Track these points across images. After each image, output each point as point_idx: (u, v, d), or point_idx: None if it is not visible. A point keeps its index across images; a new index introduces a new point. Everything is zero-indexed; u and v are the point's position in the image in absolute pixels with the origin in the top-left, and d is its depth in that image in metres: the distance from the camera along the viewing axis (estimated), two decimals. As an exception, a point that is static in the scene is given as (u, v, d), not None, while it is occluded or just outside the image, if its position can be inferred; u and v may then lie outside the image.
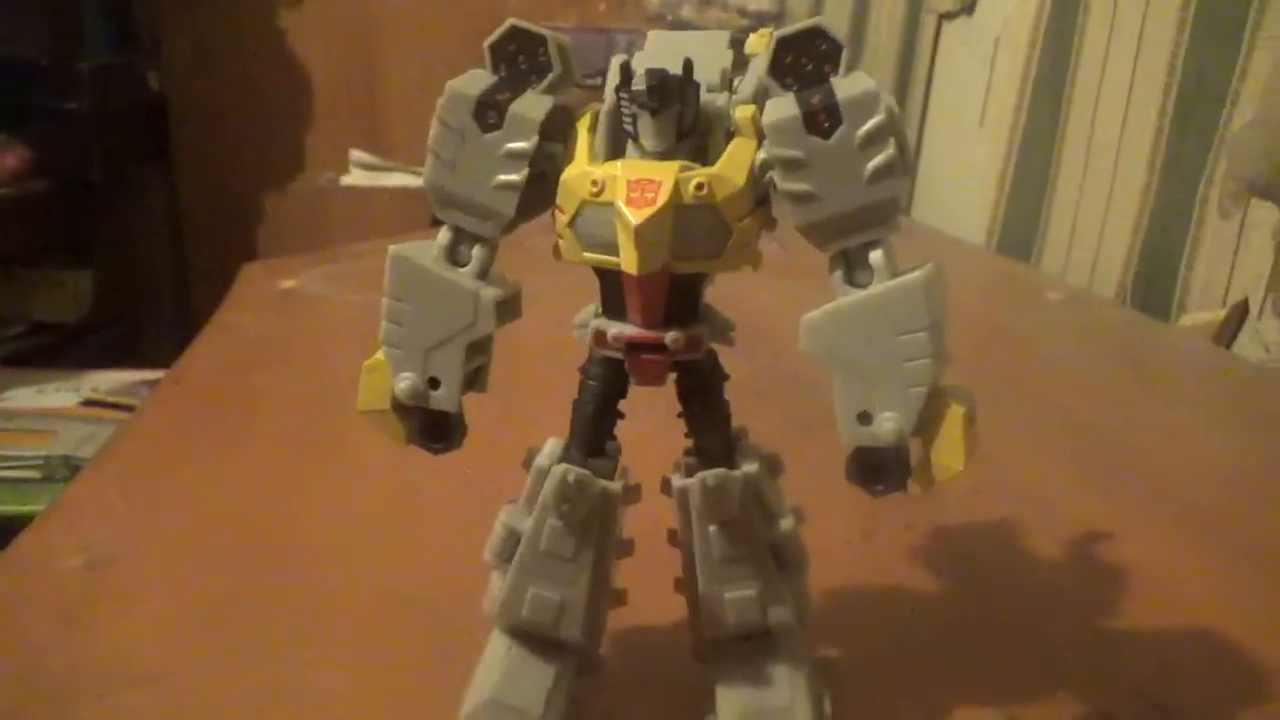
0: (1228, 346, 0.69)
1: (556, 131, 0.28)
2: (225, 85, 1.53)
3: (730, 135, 0.27)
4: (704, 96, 0.26)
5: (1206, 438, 0.54)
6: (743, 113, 0.27)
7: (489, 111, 0.27)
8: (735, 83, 0.28)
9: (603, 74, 0.27)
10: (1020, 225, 0.96)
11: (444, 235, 0.28)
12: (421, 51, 1.57)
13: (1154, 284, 0.79)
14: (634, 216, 0.25)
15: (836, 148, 0.25)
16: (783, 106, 0.26)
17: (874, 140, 0.25)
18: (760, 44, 0.28)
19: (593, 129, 0.28)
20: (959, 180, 1.07)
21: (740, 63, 0.28)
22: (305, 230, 1.58)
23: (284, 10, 1.58)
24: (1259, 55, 0.67)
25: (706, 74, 0.27)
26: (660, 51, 0.27)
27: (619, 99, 0.26)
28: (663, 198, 0.25)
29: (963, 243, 0.99)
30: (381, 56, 1.61)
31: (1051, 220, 0.92)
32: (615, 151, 0.27)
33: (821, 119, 0.25)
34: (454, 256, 0.28)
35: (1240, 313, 0.67)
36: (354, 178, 1.63)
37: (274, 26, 1.51)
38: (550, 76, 0.28)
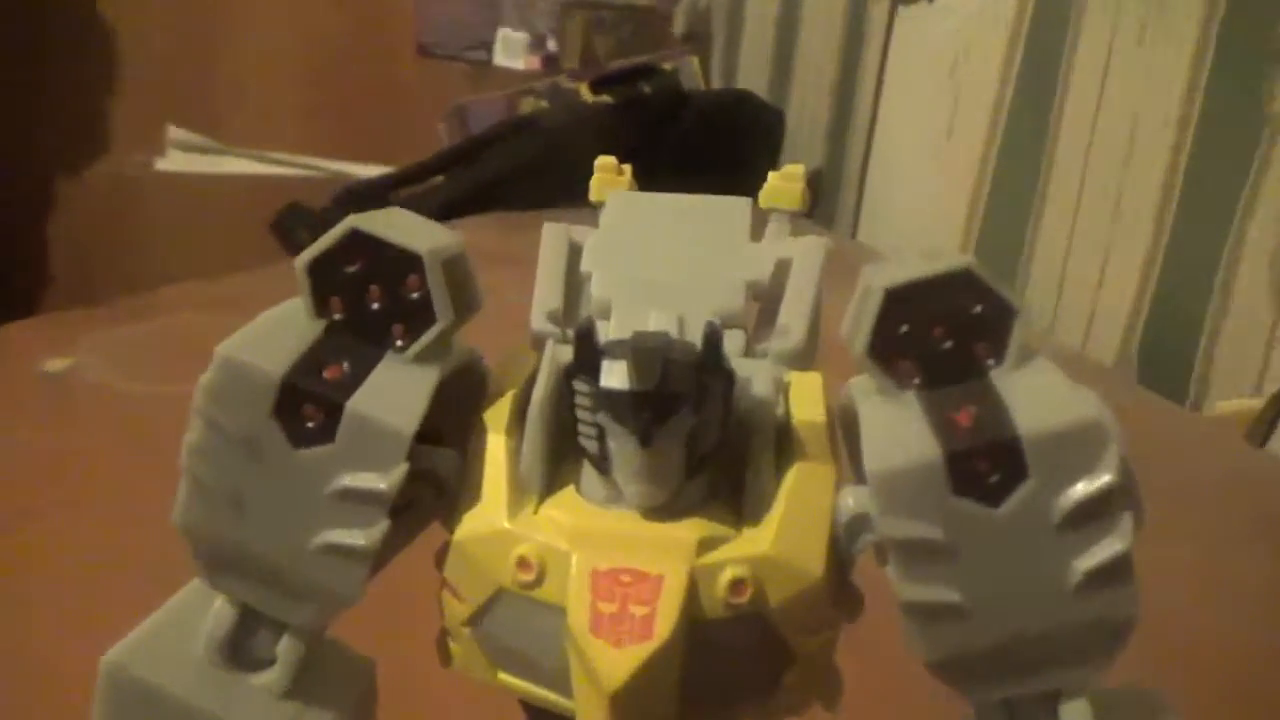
0: (1261, 444, 0.60)
1: (446, 421, 0.19)
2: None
3: (786, 449, 0.19)
4: (737, 374, 0.18)
5: (1241, 578, 0.46)
6: (810, 411, 0.19)
7: (305, 407, 0.18)
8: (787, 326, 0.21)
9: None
10: (995, 264, 0.88)
11: (222, 614, 0.20)
12: (272, 6, 1.38)
13: (1167, 355, 0.70)
14: (611, 669, 0.17)
15: (1013, 523, 0.17)
16: (902, 433, 0.17)
17: (1093, 514, 0.17)
18: (787, 194, 0.23)
19: (515, 426, 0.19)
20: (916, 208, 1.04)
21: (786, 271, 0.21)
22: (106, 235, 1.39)
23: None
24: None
25: (723, 300, 0.20)
26: (633, 264, 0.21)
27: (572, 390, 0.18)
28: (665, 623, 0.17)
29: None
30: (222, 13, 1.41)
31: (1035, 260, 0.83)
32: (559, 473, 0.19)
33: (983, 467, 0.17)
34: (239, 653, 0.20)
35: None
36: (173, 162, 1.44)
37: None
38: (433, 332, 0.19)
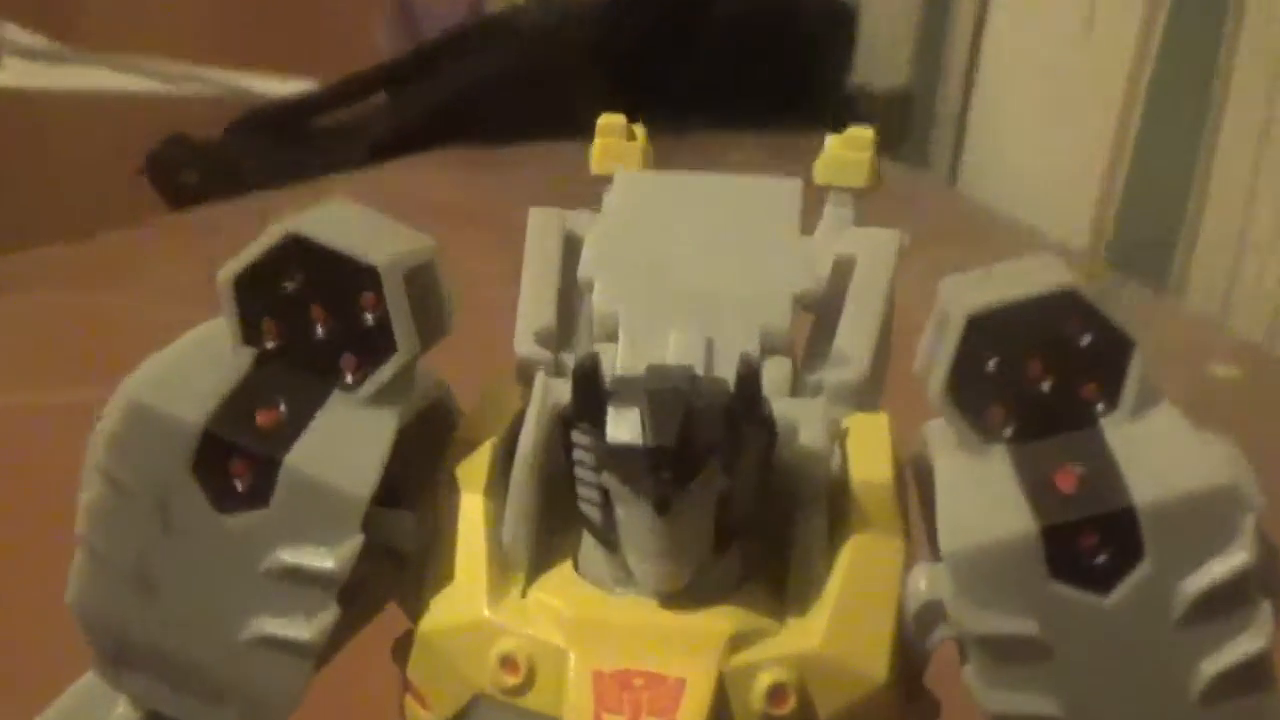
0: None
1: (405, 474, 0.22)
2: None
3: (842, 516, 0.21)
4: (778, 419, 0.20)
5: None
6: (873, 466, 0.21)
7: (232, 462, 0.20)
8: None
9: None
10: (1152, 219, 0.88)
11: (124, 715, 0.22)
12: None
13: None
14: None
15: (1126, 615, 0.19)
16: (987, 500, 0.19)
17: (1225, 603, 0.19)
18: (851, 168, 0.25)
19: (496, 484, 0.21)
20: (1042, 135, 1.03)
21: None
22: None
23: None
24: None
25: (765, 316, 0.22)
26: (648, 268, 0.22)
27: (569, 442, 0.20)
28: None
29: (1045, 240, 0.91)
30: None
31: (1207, 215, 0.84)
32: (552, 546, 0.21)
33: (1089, 545, 0.19)
34: None
35: None
36: (10, 74, 1.47)
37: None
38: (392, 364, 0.21)
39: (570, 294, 0.24)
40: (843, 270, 0.23)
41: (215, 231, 0.88)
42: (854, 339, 0.22)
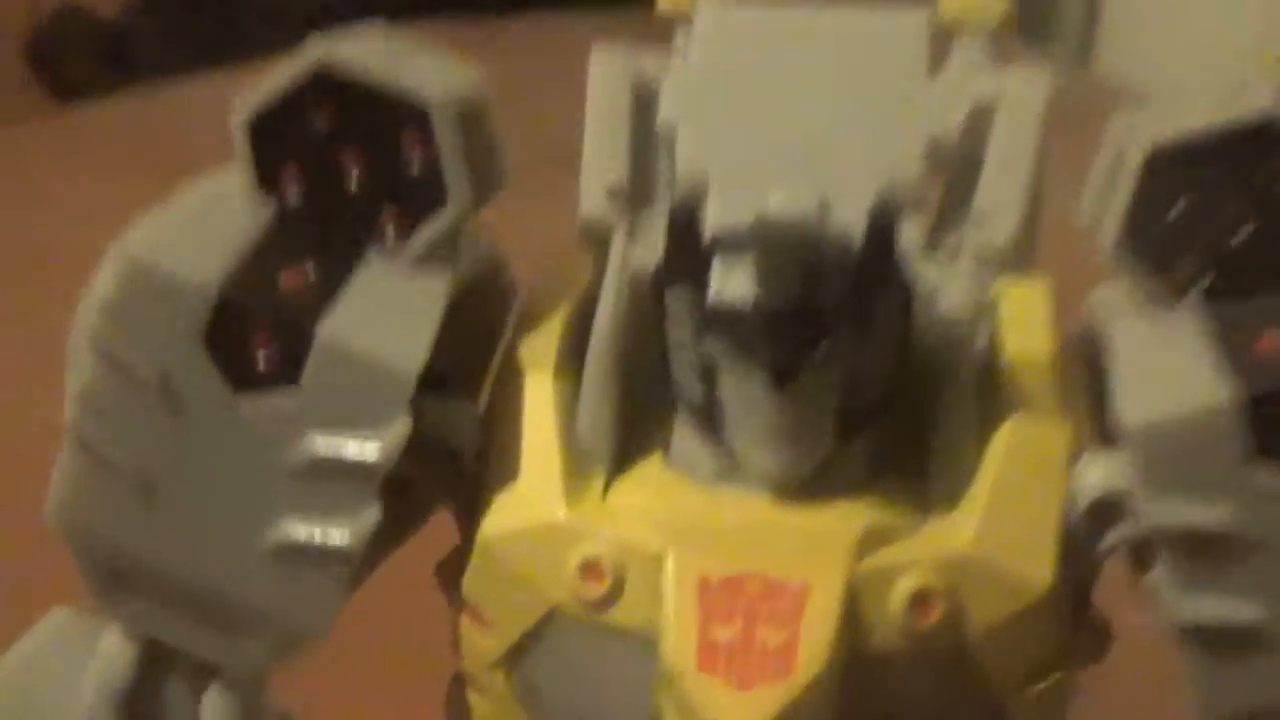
0: None
1: (457, 358, 0.23)
2: None
3: (994, 396, 0.22)
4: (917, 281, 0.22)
5: None
6: (1030, 339, 0.23)
7: (254, 333, 0.22)
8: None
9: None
10: None
11: (116, 655, 0.23)
12: None
13: None
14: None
15: None
16: (1177, 369, 0.21)
17: None
18: (982, 4, 0.26)
19: (569, 364, 0.23)
20: (1188, 15, 1.05)
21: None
22: None
23: None
24: None
25: (890, 168, 0.23)
26: (743, 115, 0.23)
27: (661, 307, 0.22)
28: (812, 656, 0.20)
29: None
30: None
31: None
32: (638, 435, 0.23)
33: None
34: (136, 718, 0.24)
35: None
36: None
37: None
38: (443, 219, 0.22)
39: (642, 149, 0.25)
40: (981, 119, 0.24)
41: (114, 134, 0.88)
42: (1001, 194, 0.23)
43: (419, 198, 0.22)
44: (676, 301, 0.21)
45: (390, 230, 0.22)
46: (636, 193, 0.25)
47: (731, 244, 0.20)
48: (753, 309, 0.20)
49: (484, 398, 0.23)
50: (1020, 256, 0.24)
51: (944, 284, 0.22)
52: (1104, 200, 0.21)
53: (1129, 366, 0.21)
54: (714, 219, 0.21)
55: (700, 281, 0.20)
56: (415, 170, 0.22)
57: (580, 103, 0.25)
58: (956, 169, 0.24)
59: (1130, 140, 0.21)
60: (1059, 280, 0.23)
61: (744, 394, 0.21)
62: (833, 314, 0.20)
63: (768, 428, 0.21)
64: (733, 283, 0.20)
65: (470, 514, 0.23)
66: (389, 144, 0.22)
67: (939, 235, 0.24)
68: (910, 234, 0.23)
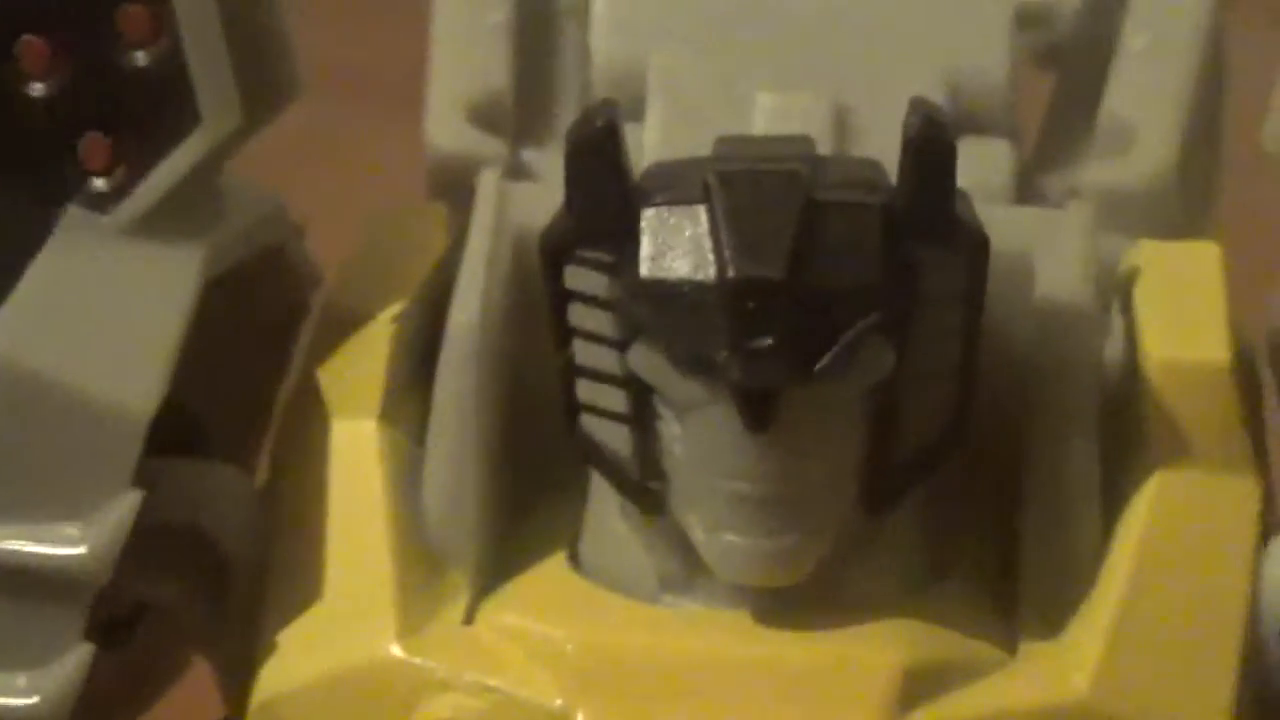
0: None
1: (217, 401, 0.22)
2: None
3: (1130, 432, 0.18)
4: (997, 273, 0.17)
5: None
6: (1192, 338, 0.18)
7: None
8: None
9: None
10: None
11: None
12: None
13: None
14: None
15: None
16: None
17: None
18: None
19: (398, 402, 0.19)
20: None
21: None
22: None
23: None
24: None
25: (963, 47, 0.19)
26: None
27: (561, 291, 0.17)
28: None
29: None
30: None
31: None
32: (528, 508, 0.19)
33: None
34: None
35: None
36: None
37: None
38: (180, 151, 0.20)
39: (536, 49, 0.20)
40: None
41: None
42: (1144, 107, 0.19)
43: (146, 118, 0.17)
44: (586, 280, 0.15)
45: (98, 175, 0.17)
46: (523, 114, 0.20)
47: (679, 187, 0.16)
48: (715, 288, 0.15)
49: (263, 459, 0.19)
50: (1173, 205, 0.19)
51: (1046, 247, 0.17)
52: None
53: None
54: (651, 144, 0.18)
55: (625, 248, 0.16)
56: (141, 67, 0.17)
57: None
58: (1071, 61, 0.20)
59: None
60: (1243, 260, 0.19)
61: (701, 439, 0.16)
62: (850, 299, 0.16)
63: (741, 499, 0.16)
64: (679, 247, 0.15)
65: (238, 659, 0.17)
66: (96, 28, 0.17)
67: (1040, 171, 0.19)
68: (990, 164, 0.18)
